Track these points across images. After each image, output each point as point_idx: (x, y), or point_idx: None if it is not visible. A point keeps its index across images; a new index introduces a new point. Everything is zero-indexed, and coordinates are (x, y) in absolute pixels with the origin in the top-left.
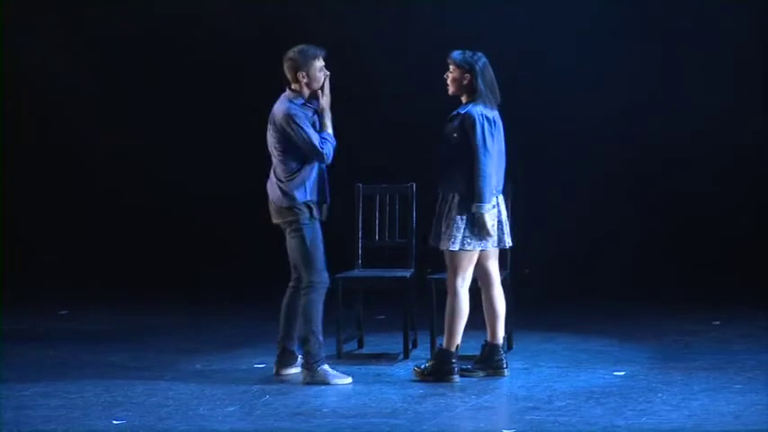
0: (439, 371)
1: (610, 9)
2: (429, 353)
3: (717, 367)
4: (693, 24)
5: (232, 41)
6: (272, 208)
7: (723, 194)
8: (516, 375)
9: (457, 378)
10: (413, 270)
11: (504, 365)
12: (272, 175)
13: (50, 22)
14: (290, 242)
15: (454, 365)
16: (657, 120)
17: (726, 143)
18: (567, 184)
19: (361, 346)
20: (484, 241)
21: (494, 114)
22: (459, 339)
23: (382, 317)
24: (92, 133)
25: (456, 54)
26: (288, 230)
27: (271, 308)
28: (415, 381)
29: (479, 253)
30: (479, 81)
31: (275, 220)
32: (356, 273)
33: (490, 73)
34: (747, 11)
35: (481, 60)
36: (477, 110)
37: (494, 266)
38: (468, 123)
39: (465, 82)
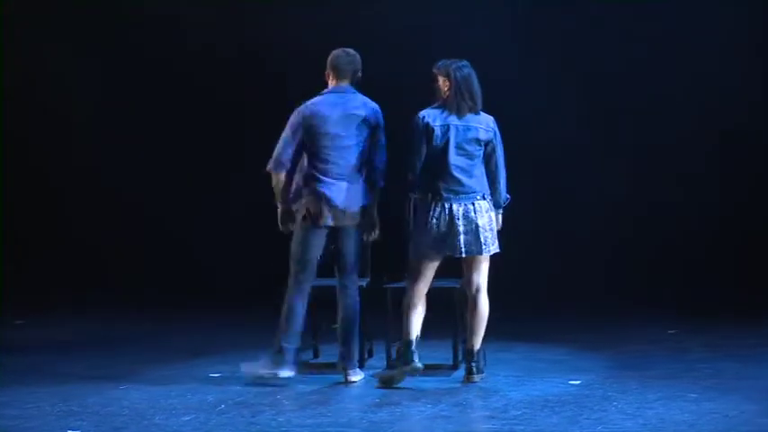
0: (401, 360)
1: (603, 7)
2: (385, 361)
3: (673, 376)
4: (690, 24)
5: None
6: (346, 212)
7: (684, 202)
8: (472, 384)
9: (418, 365)
10: (368, 279)
11: (472, 371)
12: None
13: (49, 23)
14: (351, 243)
15: (413, 354)
16: (635, 126)
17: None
18: (536, 192)
19: (316, 355)
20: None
21: (450, 120)
22: (412, 330)
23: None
24: (68, 140)
25: (440, 63)
26: (352, 232)
27: (228, 316)
28: (379, 387)
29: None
30: (454, 88)
31: (347, 223)
32: (336, 279)
33: (469, 80)
34: (748, 9)
35: (464, 68)
36: (425, 113)
37: (473, 276)
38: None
39: (446, 89)
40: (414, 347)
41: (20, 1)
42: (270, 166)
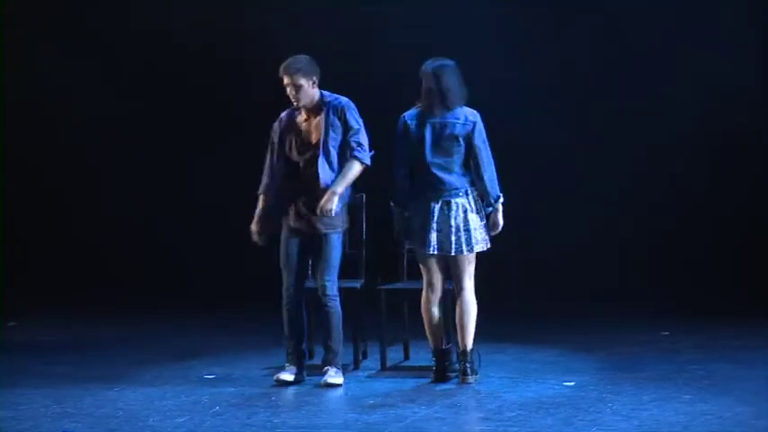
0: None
1: (603, 7)
2: (379, 363)
3: (666, 377)
4: (690, 24)
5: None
6: None
7: (684, 202)
8: (466, 385)
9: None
10: (362, 280)
11: (466, 372)
12: None
13: (49, 23)
14: None
15: (432, 362)
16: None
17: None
18: (536, 192)
19: (311, 356)
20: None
21: (426, 119)
22: (431, 340)
23: None
24: (59, 139)
25: (424, 64)
26: None
27: (221, 319)
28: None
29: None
30: (424, 88)
31: None
32: (305, 283)
33: (439, 78)
34: (748, 9)
35: (437, 66)
36: (406, 113)
37: (457, 275)
38: None
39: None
40: (433, 357)
41: (20, 1)
42: None
